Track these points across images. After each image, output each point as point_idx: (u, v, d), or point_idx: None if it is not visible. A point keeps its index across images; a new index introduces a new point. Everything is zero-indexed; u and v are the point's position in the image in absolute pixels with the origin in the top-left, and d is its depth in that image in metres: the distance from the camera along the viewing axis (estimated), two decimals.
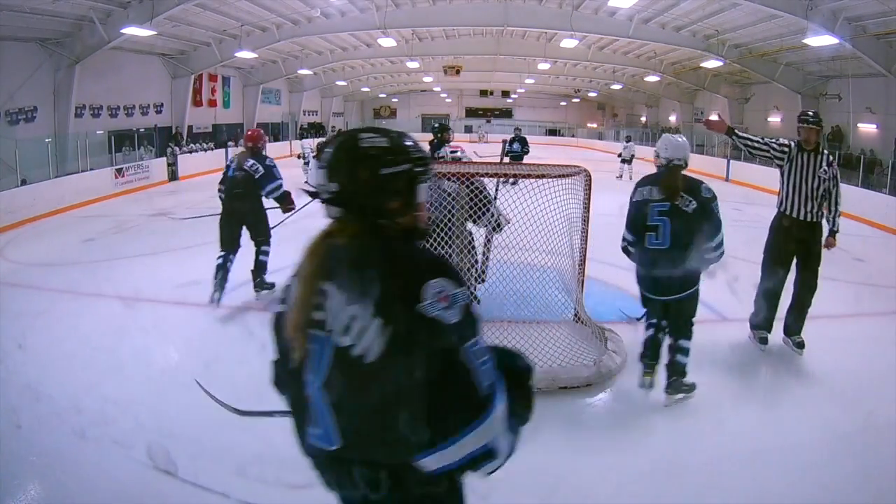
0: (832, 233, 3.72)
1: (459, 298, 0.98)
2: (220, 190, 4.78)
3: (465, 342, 0.97)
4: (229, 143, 17.18)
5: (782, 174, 3.74)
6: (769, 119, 17.48)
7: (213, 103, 17.92)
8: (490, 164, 5.31)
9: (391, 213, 1.05)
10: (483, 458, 0.98)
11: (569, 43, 16.12)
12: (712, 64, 15.19)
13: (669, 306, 3.04)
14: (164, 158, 13.69)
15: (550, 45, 17.86)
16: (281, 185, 4.79)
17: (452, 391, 0.96)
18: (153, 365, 3.62)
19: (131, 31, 10.89)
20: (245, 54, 15.12)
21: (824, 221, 3.73)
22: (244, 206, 4.70)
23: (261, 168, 4.66)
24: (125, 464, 2.50)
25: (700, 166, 17.02)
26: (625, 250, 3.23)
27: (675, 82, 20.75)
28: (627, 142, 16.38)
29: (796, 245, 3.73)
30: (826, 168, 3.63)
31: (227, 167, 4.85)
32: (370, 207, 1.05)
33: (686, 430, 2.88)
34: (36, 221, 8.72)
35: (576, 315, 4.09)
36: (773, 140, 3.79)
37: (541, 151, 15.36)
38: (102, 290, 4.98)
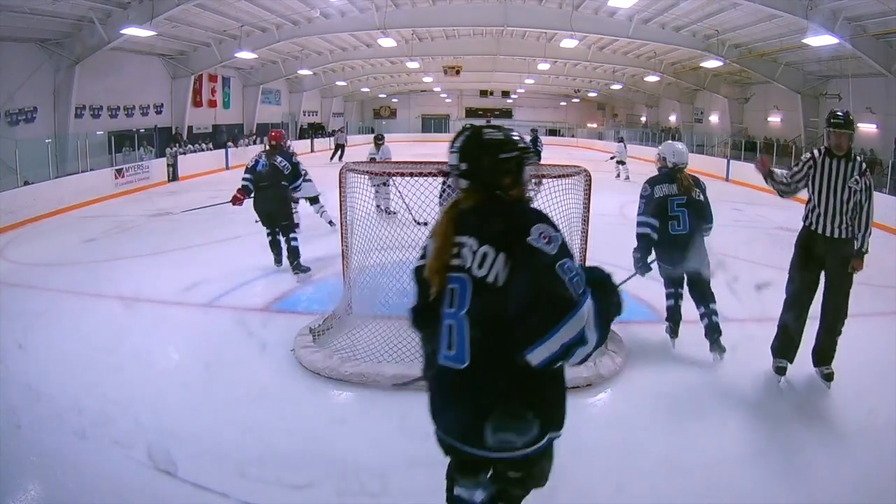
0: (859, 253, 3.29)
1: (557, 238, 1.36)
2: (244, 178, 5.34)
3: (558, 262, 1.33)
4: (228, 144, 17.18)
5: (808, 185, 3.33)
6: (769, 119, 17.48)
7: (213, 104, 17.92)
8: None
9: (505, 187, 1.46)
10: (576, 345, 1.31)
11: (569, 43, 16.13)
12: (712, 64, 15.19)
13: (690, 277, 3.71)
14: (164, 159, 13.69)
15: (550, 45, 17.86)
16: (302, 182, 5.68)
17: (552, 298, 1.32)
18: (153, 365, 3.62)
19: (131, 31, 10.88)
20: (245, 55, 15.12)
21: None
22: (269, 195, 5.28)
23: (289, 165, 5.32)
24: (125, 464, 2.50)
25: (701, 166, 16.98)
26: (644, 236, 3.72)
27: (675, 82, 20.75)
28: (619, 141, 16.33)
29: (823, 265, 3.32)
30: (858, 178, 3.22)
31: (256, 161, 5.38)
32: (490, 182, 1.46)
33: (686, 430, 2.88)
34: (36, 222, 8.72)
35: None
36: (795, 167, 3.38)
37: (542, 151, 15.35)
38: (103, 291, 4.98)
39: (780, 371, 3.49)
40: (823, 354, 3.37)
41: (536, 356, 1.32)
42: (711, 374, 3.50)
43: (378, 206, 6.13)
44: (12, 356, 3.58)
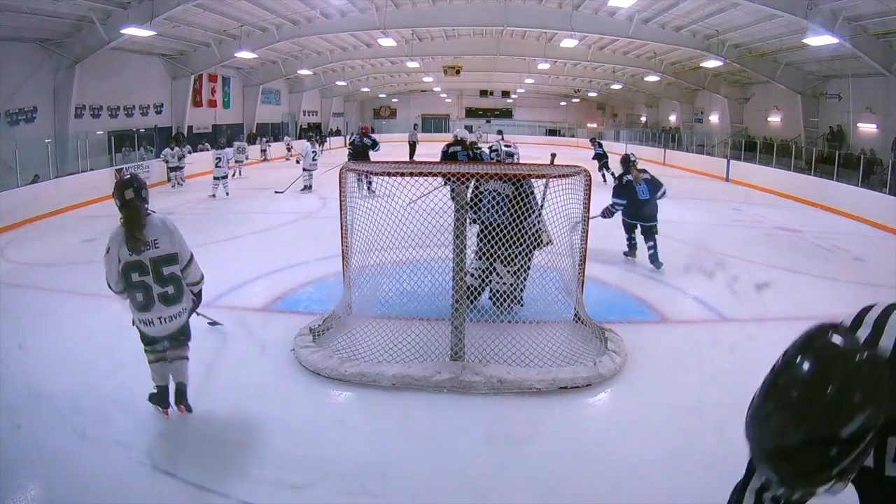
0: None
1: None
2: (349, 148, 11.58)
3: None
4: (234, 142, 17.15)
5: None
6: (769, 119, 17.46)
7: (213, 104, 17.91)
8: (497, 164, 5.32)
9: None
10: None
11: (569, 43, 16.11)
12: (712, 64, 15.17)
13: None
14: (168, 159, 13.48)
15: (550, 45, 17.85)
16: (378, 148, 11.01)
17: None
18: None
19: (131, 31, 10.87)
20: (245, 54, 15.11)
21: None
22: (362, 158, 10.13)
23: (368, 141, 10.77)
24: (125, 464, 2.50)
25: (701, 166, 17.05)
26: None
27: (675, 82, 20.73)
28: (498, 133, 16.06)
29: None
30: None
31: (353, 140, 11.47)
32: None
33: (686, 430, 2.88)
34: (37, 221, 8.73)
35: (576, 315, 4.09)
36: None
37: (540, 151, 15.35)
38: (103, 291, 4.96)
39: None
40: None
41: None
42: (711, 374, 3.50)
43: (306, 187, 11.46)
44: (12, 356, 3.58)
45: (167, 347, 2.84)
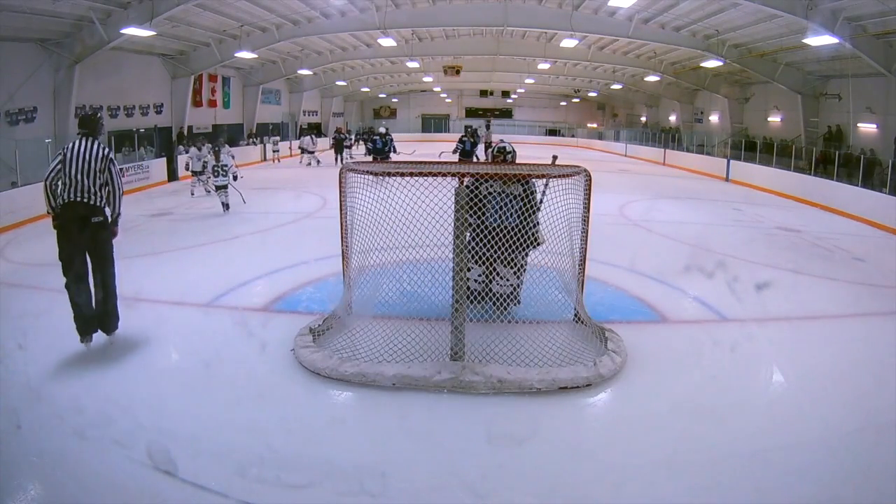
0: None
1: None
2: (333, 139, 19.12)
3: None
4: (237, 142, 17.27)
5: None
6: (769, 119, 17.47)
7: (213, 103, 17.90)
8: (487, 163, 5.32)
9: None
10: None
11: (569, 43, 16.11)
12: (712, 64, 15.17)
13: None
14: (168, 159, 13.35)
15: (550, 45, 17.86)
16: (348, 142, 18.86)
17: None
18: (153, 365, 3.62)
19: (131, 31, 10.87)
20: (245, 54, 15.11)
21: None
22: (339, 147, 17.90)
23: (342, 136, 18.39)
24: (125, 464, 2.50)
25: (701, 166, 17.06)
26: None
27: (675, 82, 20.73)
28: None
29: None
30: None
31: (335, 136, 18.77)
32: None
33: (686, 430, 2.88)
34: (36, 221, 8.70)
35: (576, 315, 4.09)
36: None
37: (540, 151, 15.34)
38: None
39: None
40: None
41: None
42: (711, 374, 3.50)
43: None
44: (13, 356, 3.58)
45: (222, 189, 8.87)
